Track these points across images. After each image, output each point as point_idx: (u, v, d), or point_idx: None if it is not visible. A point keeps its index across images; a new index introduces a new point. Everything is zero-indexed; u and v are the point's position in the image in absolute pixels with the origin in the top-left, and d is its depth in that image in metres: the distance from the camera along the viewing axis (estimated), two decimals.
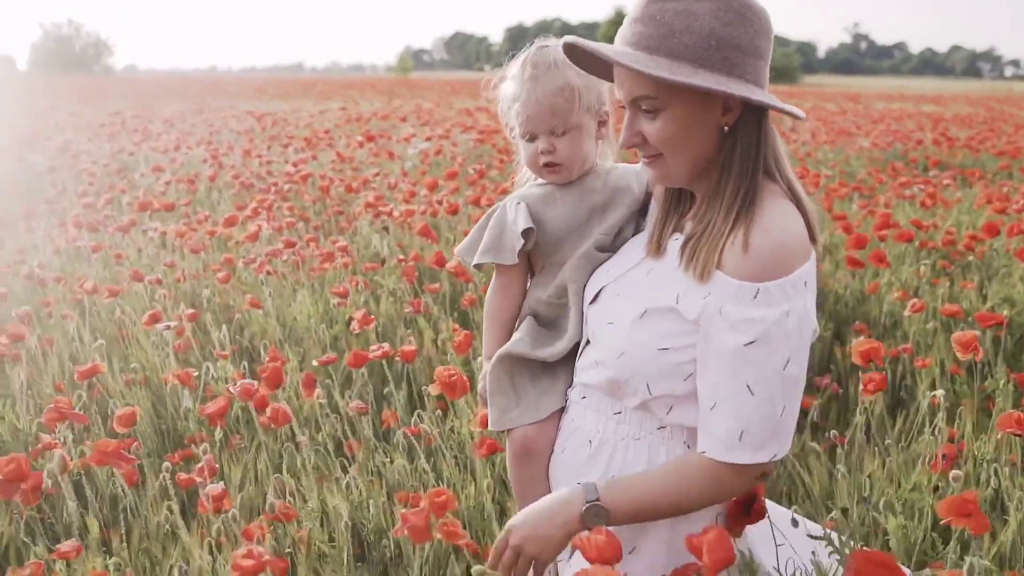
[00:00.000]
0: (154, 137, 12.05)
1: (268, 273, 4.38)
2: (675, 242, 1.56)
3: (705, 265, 1.46)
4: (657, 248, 1.59)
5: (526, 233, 1.70)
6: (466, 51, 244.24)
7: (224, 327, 3.61)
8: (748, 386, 1.42)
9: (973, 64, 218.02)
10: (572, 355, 1.72)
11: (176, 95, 28.53)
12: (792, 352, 1.42)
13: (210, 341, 3.99)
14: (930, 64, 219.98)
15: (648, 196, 1.73)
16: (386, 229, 5.48)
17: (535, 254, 1.76)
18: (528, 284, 1.81)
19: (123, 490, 2.72)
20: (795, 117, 1.49)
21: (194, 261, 4.95)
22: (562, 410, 1.72)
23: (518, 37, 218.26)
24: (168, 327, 3.30)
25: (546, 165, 1.70)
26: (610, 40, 1.57)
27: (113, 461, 2.48)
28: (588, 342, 1.66)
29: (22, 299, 4.31)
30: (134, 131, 13.13)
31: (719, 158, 1.50)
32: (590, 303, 1.65)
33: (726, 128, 1.49)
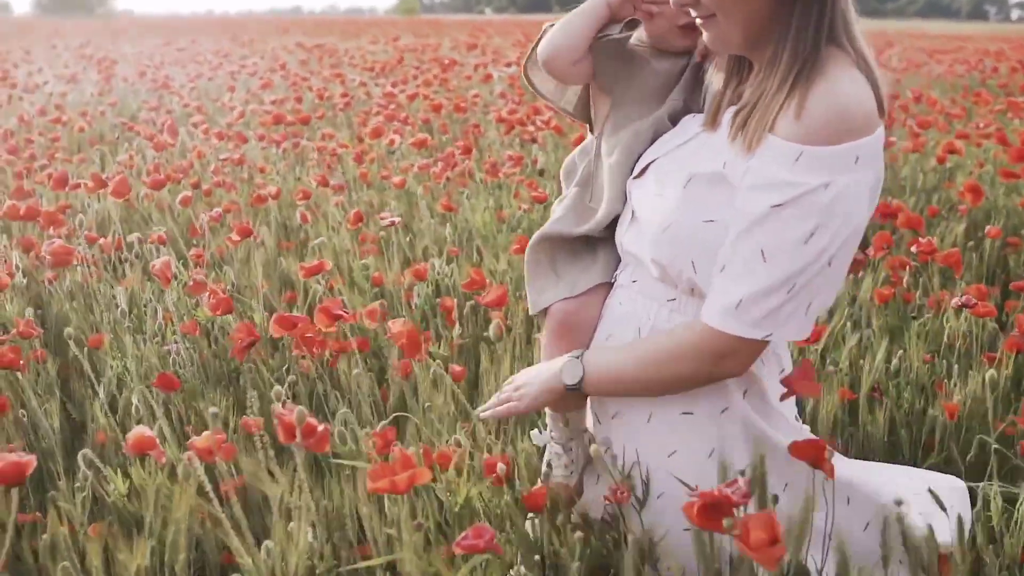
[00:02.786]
0: (218, 66, 11.80)
1: (448, 179, 4.23)
2: (729, 113, 1.45)
3: (755, 133, 1.35)
4: (713, 120, 1.48)
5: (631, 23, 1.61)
6: None
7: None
8: (762, 251, 1.32)
9: (979, 7, 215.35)
10: (614, 233, 1.63)
11: (201, 34, 28.06)
12: (820, 227, 1.30)
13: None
14: (936, 7, 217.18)
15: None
16: (534, 140, 5.31)
17: (598, 99, 1.66)
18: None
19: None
20: None
21: (350, 168, 4.80)
22: (608, 290, 1.63)
23: None
24: (393, 222, 3.14)
25: (685, 27, 1.55)
26: None
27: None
28: (633, 216, 1.55)
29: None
30: (192, 61, 12.88)
31: (778, 22, 1.36)
32: (635, 177, 1.56)
33: None
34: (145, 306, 2.78)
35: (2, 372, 2.46)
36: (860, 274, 3.20)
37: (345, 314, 2.16)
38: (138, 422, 2.33)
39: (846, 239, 1.34)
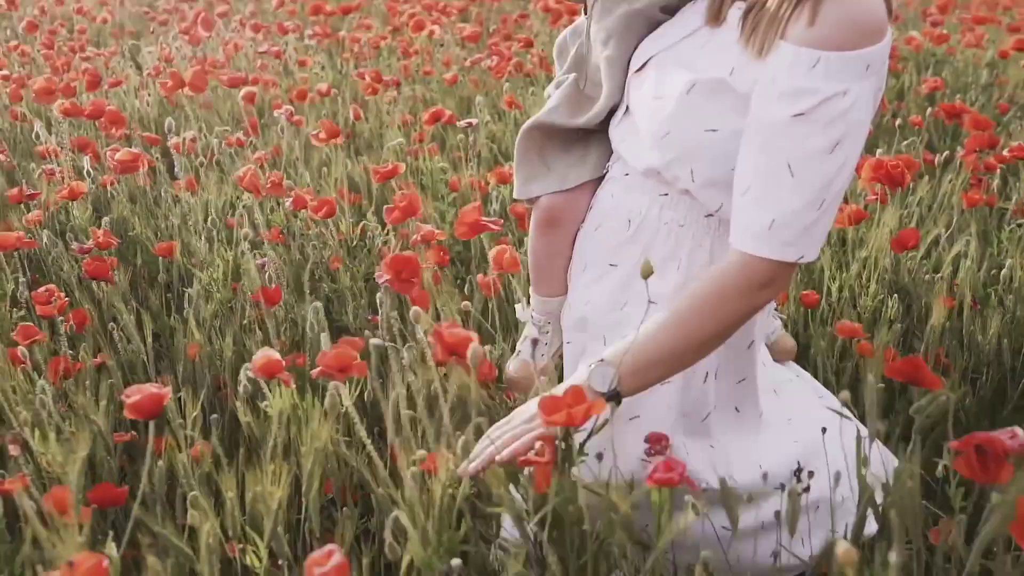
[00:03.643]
0: None
1: (510, 73, 4.04)
2: (737, 11, 1.35)
3: (765, 38, 1.28)
4: (716, 16, 1.37)
5: None
6: None
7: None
8: (788, 165, 1.26)
9: None
10: (608, 123, 1.56)
11: None
12: (843, 138, 1.25)
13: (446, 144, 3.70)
14: None
15: None
16: None
17: None
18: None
19: None
20: None
21: (393, 61, 4.60)
22: (598, 183, 1.58)
23: None
24: (470, 124, 2.99)
25: None
26: None
27: None
28: (628, 110, 1.49)
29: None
30: None
31: None
32: (635, 71, 1.47)
33: None
34: (224, 211, 2.65)
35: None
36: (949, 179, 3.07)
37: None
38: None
39: (858, 149, 1.28)
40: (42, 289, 2.05)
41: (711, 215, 1.43)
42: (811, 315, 2.43)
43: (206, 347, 2.13)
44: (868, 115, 1.28)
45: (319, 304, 1.75)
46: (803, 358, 2.34)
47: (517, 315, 1.84)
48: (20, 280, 2.34)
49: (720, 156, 1.35)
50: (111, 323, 2.17)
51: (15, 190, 2.71)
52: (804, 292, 2.38)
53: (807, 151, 1.25)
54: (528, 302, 1.78)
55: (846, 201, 2.73)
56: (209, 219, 2.51)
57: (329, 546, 1.04)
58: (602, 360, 1.35)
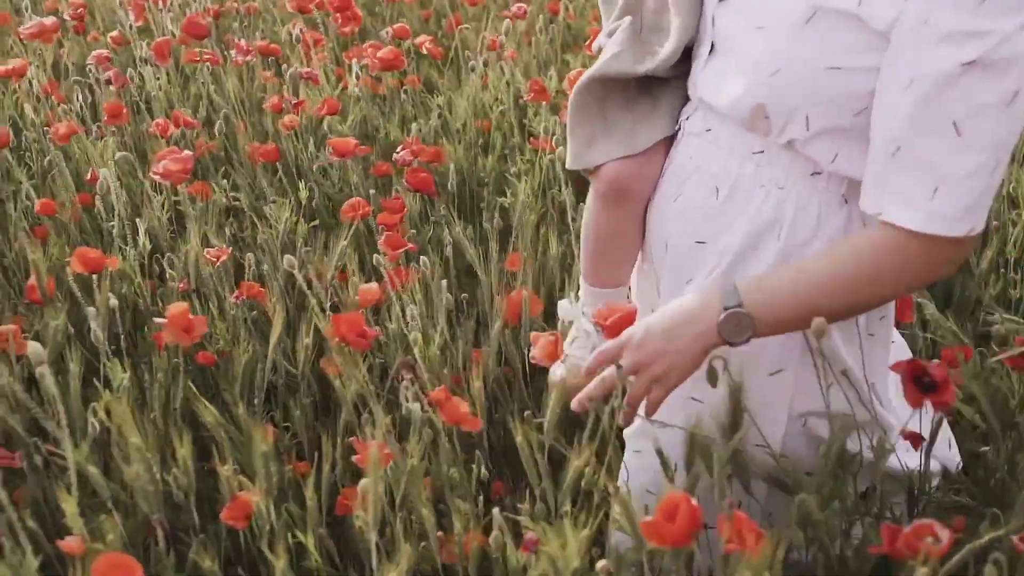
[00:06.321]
0: None
1: None
2: None
3: None
4: None
5: None
6: None
7: None
8: (954, 123, 1.02)
9: None
10: (677, 75, 1.33)
11: None
12: (1023, 84, 1.01)
13: None
14: None
15: None
16: None
17: None
18: None
19: None
20: None
21: None
22: (670, 143, 1.34)
23: None
24: None
25: None
26: None
27: None
28: (712, 49, 1.25)
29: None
30: None
31: None
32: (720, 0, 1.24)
33: None
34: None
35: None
36: None
37: None
38: None
39: None
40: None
41: (818, 173, 1.19)
42: None
43: (533, 257, 2.09)
44: None
45: None
46: None
47: (560, 313, 1.53)
48: (314, 189, 2.34)
49: (843, 98, 1.12)
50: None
51: (275, 98, 2.68)
52: None
53: (979, 104, 1.03)
54: (576, 296, 1.54)
55: None
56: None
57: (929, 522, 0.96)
58: (739, 306, 1.15)
